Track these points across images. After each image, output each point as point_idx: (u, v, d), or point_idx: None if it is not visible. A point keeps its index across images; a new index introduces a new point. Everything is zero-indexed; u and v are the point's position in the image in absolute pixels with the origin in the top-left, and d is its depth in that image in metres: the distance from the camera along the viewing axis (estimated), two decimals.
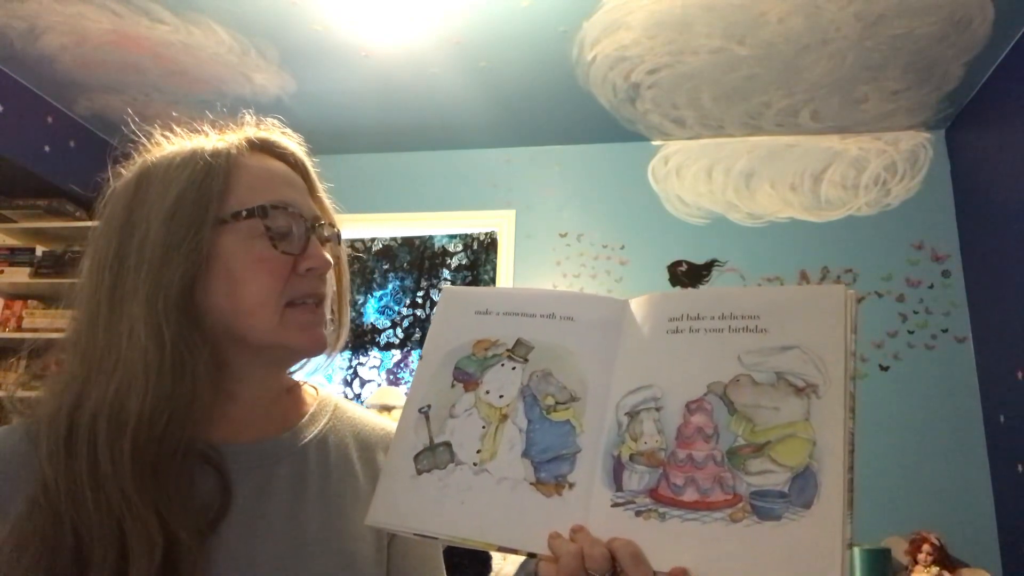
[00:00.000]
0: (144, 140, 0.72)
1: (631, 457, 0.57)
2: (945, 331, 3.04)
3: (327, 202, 0.76)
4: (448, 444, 0.62)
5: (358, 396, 3.51)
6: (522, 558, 0.69)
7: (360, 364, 3.58)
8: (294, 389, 0.76)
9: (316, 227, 0.70)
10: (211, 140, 0.70)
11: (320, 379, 0.80)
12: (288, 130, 0.76)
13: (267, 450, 0.68)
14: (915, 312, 3.07)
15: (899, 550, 2.64)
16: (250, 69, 2.96)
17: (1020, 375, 2.60)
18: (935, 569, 2.48)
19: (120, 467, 0.57)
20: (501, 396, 0.63)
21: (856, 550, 2.54)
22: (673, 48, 2.72)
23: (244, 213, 0.65)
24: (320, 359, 0.76)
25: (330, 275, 0.73)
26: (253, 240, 0.65)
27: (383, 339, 3.59)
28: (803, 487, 0.52)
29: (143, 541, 0.55)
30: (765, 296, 0.61)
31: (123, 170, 0.71)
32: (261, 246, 0.65)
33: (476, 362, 0.66)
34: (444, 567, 0.77)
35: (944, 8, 2.43)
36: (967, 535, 2.77)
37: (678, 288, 3.29)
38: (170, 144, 0.71)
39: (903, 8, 2.44)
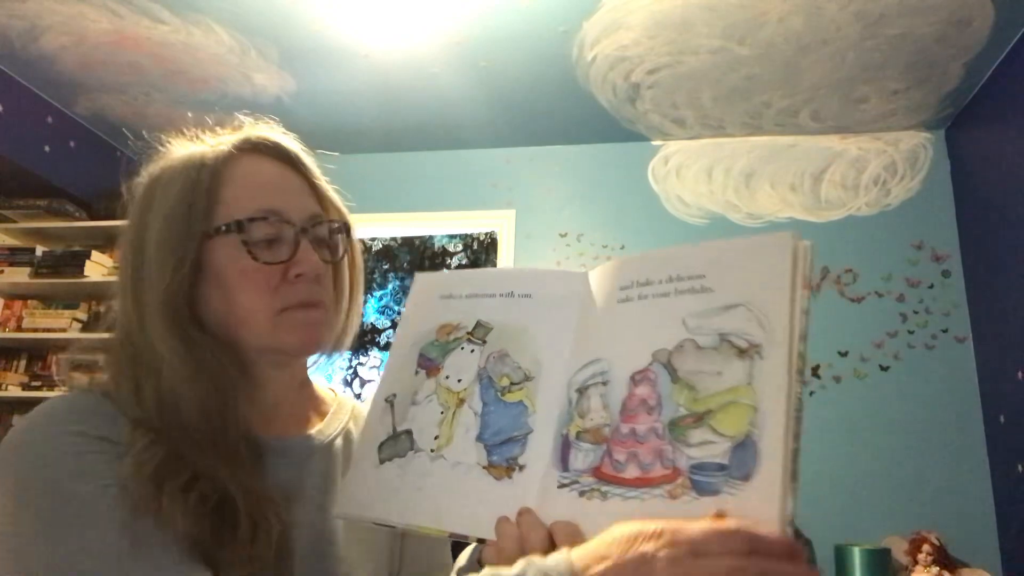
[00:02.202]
0: (156, 146, 0.73)
1: (577, 435, 0.55)
2: (945, 331, 3.04)
3: (331, 194, 0.75)
4: (409, 432, 0.62)
5: (358, 396, 3.51)
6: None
7: (360, 364, 3.58)
8: (307, 384, 0.79)
9: (310, 228, 0.69)
10: (202, 148, 0.70)
11: (319, 378, 0.82)
12: (283, 129, 0.75)
13: (300, 445, 0.72)
14: (915, 312, 3.07)
15: (899, 550, 2.64)
16: (250, 69, 2.96)
17: (1020, 375, 2.60)
18: (935, 569, 2.48)
19: (204, 448, 0.60)
20: (459, 380, 0.62)
21: (856, 550, 2.54)
22: (673, 48, 2.72)
23: (224, 228, 0.66)
24: (319, 358, 0.78)
25: (344, 265, 0.75)
26: (237, 252, 0.66)
27: (383, 339, 3.59)
28: (743, 458, 0.47)
29: (264, 516, 0.58)
30: (711, 251, 0.56)
31: (139, 181, 0.72)
32: (245, 258, 0.66)
33: (439, 347, 0.65)
34: (450, 556, 0.80)
35: (944, 8, 2.43)
36: (967, 535, 2.76)
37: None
38: (173, 152, 0.72)
39: (903, 8, 2.44)
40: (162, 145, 0.73)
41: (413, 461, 0.60)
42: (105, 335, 0.70)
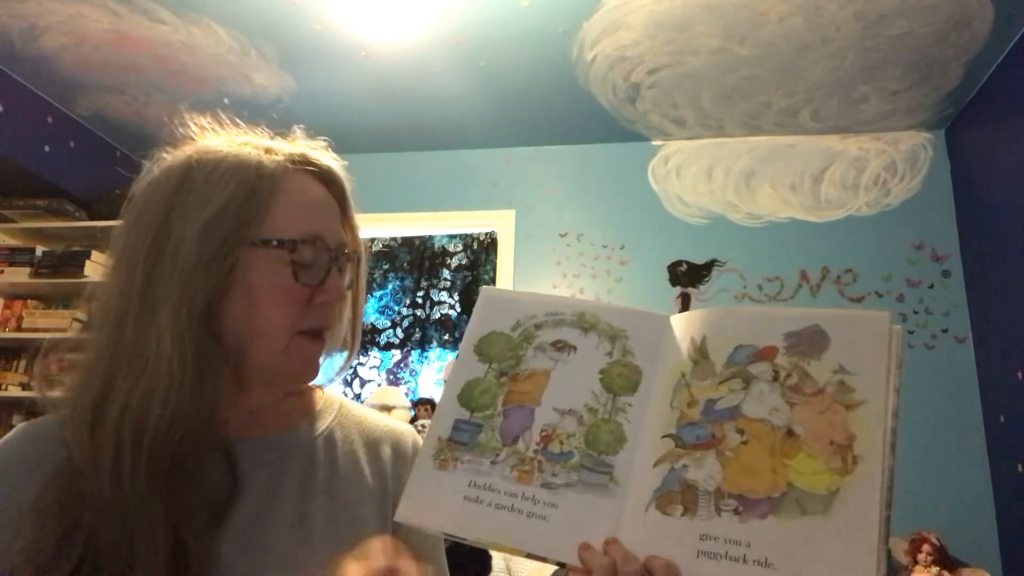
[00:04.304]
0: (190, 132, 0.72)
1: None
2: (945, 331, 3.04)
3: (356, 223, 0.76)
4: None
5: (358, 396, 3.51)
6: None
7: (360, 364, 3.58)
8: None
9: (339, 257, 0.70)
10: (259, 151, 0.69)
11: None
12: (334, 155, 0.75)
13: (278, 445, 0.71)
14: (915, 312, 3.07)
15: (899, 550, 2.64)
16: (250, 69, 2.96)
17: (1020, 375, 2.60)
18: (935, 569, 2.48)
19: (137, 472, 0.59)
20: None
21: None
22: (673, 48, 2.72)
23: (275, 242, 0.66)
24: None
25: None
26: (278, 267, 0.66)
27: (383, 339, 3.59)
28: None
29: (149, 551, 0.57)
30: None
31: (166, 155, 0.69)
32: (283, 275, 0.66)
33: None
34: (444, 555, 0.79)
35: (944, 8, 2.43)
36: (967, 535, 2.77)
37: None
38: (217, 139, 0.71)
39: (903, 8, 2.44)
40: (200, 128, 0.72)
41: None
42: (83, 334, 0.67)
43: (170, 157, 0.69)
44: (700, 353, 0.59)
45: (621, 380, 0.61)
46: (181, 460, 0.60)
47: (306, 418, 0.75)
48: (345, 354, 0.78)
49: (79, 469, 0.60)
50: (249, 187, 0.65)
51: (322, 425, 0.75)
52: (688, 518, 0.52)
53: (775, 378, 0.55)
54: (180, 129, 0.72)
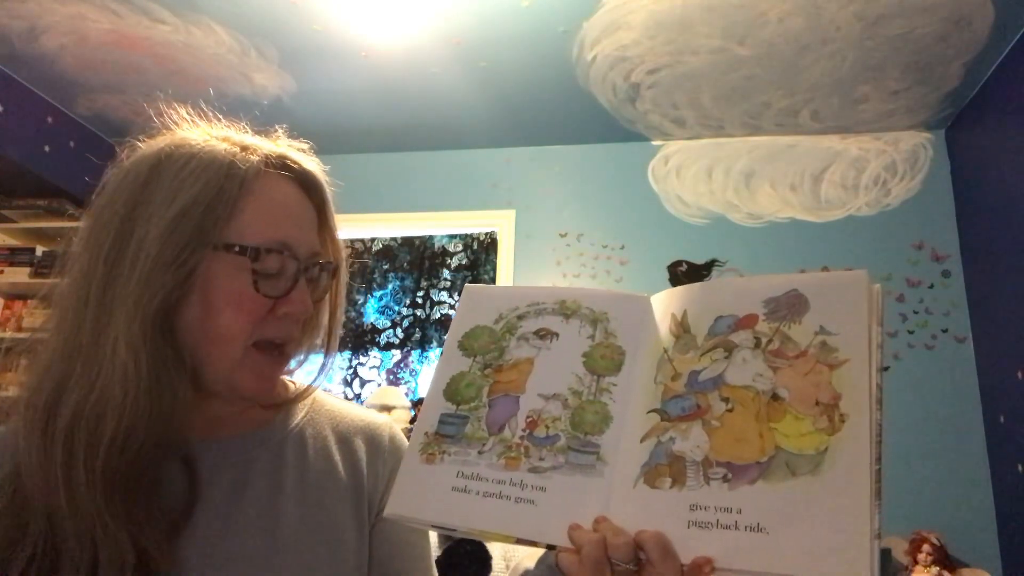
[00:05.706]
0: (168, 123, 0.69)
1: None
2: (945, 331, 3.04)
3: (335, 231, 0.72)
4: None
5: (358, 396, 3.51)
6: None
7: (360, 364, 3.58)
8: None
9: (309, 267, 0.67)
10: (235, 149, 0.65)
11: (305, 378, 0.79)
12: (317, 160, 0.71)
13: (243, 445, 0.68)
14: (915, 312, 3.07)
15: (899, 550, 2.64)
16: (250, 69, 2.96)
17: (1020, 375, 2.60)
18: (935, 569, 2.47)
19: (92, 481, 0.56)
20: None
21: None
22: (673, 48, 2.72)
23: (238, 248, 0.62)
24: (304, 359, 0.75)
25: (325, 303, 0.72)
26: (238, 273, 0.62)
27: (383, 339, 3.59)
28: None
29: (114, 558, 0.55)
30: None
31: (140, 145, 0.67)
32: (243, 282, 0.62)
33: None
34: (430, 552, 0.77)
35: (944, 8, 2.43)
36: (967, 535, 2.77)
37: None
38: (194, 132, 0.67)
39: (903, 8, 2.44)
40: (174, 120, 0.68)
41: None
42: (40, 334, 0.63)
43: (143, 147, 0.66)
44: (681, 328, 0.60)
45: (604, 361, 0.61)
46: (138, 469, 0.58)
47: (276, 414, 0.72)
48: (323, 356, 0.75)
49: (28, 476, 0.57)
50: (217, 186, 0.62)
51: (293, 421, 0.72)
52: (677, 489, 0.52)
53: (757, 345, 0.56)
54: (157, 119, 0.68)
